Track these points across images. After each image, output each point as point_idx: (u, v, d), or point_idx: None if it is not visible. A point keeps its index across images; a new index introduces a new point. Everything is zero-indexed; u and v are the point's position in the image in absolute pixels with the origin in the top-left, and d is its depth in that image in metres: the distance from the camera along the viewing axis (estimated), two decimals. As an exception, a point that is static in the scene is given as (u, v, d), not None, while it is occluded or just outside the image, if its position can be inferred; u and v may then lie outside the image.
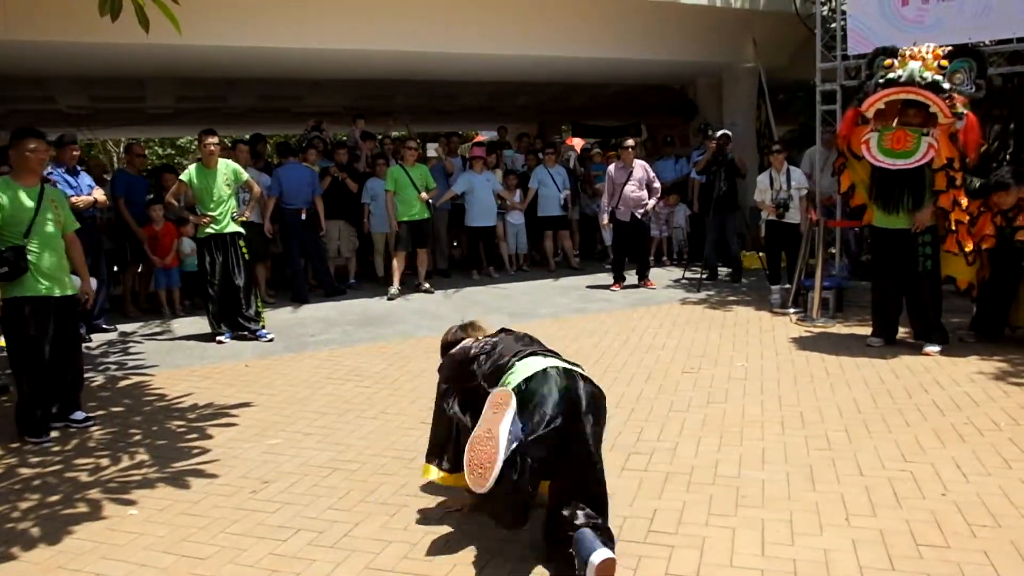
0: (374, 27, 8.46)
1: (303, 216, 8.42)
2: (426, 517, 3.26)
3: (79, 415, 4.70)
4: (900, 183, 5.52)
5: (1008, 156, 11.13)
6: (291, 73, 10.09)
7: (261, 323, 6.88)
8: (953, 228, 5.47)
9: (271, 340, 6.71)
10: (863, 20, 6.94)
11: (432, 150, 9.99)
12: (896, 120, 5.58)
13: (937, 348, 5.58)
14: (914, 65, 5.48)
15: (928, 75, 5.41)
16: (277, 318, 7.59)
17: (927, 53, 5.51)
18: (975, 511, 3.15)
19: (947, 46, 5.64)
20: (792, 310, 7.29)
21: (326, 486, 3.62)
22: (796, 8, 9.68)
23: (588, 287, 9.06)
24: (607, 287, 8.88)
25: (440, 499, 3.42)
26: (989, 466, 3.60)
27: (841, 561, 2.79)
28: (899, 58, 5.58)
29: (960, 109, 5.39)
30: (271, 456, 4.04)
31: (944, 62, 5.50)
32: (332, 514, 3.32)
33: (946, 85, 5.40)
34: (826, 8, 8.13)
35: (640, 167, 8.83)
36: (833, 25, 7.49)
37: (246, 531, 3.19)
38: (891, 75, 5.53)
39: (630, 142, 9.00)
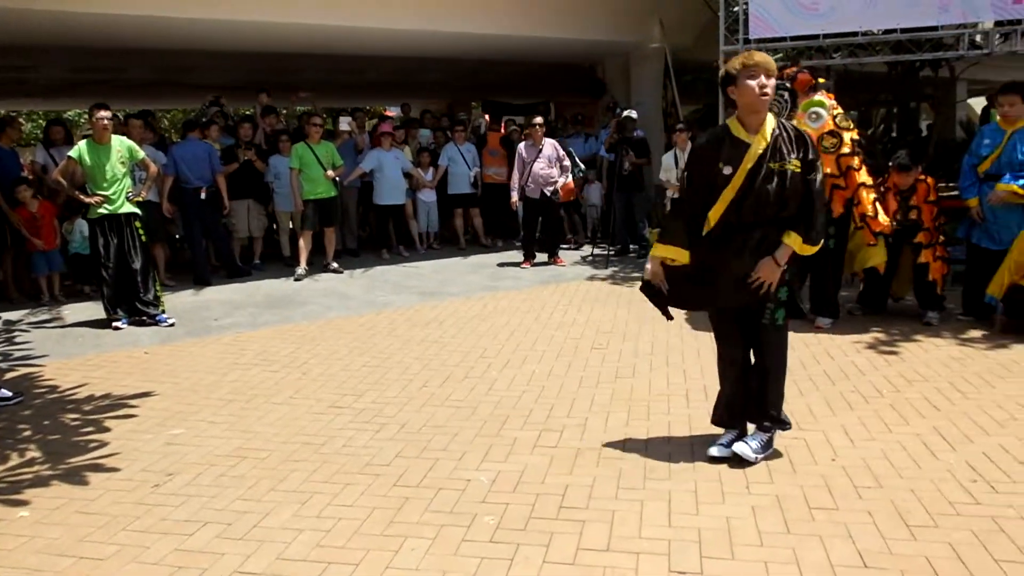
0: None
1: (203, 195, 8.10)
2: (339, 503, 3.23)
3: (4, 392, 4.64)
4: None
5: (891, 138, 11.80)
6: (190, 44, 9.63)
7: (161, 307, 6.60)
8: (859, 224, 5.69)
9: (172, 325, 6.46)
10: (764, 5, 7.18)
11: (344, 124, 9.72)
12: None
13: (828, 321, 5.89)
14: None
15: None
16: (178, 302, 7.31)
17: None
18: (861, 474, 3.36)
19: None
20: (696, 286, 7.52)
21: (233, 476, 3.53)
22: (700, -10, 9.92)
23: (498, 265, 9.11)
24: (517, 264, 8.95)
25: (350, 486, 3.40)
26: (873, 431, 3.84)
27: (742, 528, 2.93)
28: None
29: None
30: (174, 447, 3.91)
31: None
32: (240, 505, 3.24)
33: None
34: (728, -8, 8.36)
35: (550, 145, 8.90)
36: (736, 9, 7.70)
37: (149, 527, 3.08)
38: None
39: (538, 120, 9.04)
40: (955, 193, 6.29)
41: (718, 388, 3.68)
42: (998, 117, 5.81)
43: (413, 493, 3.29)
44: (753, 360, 3.57)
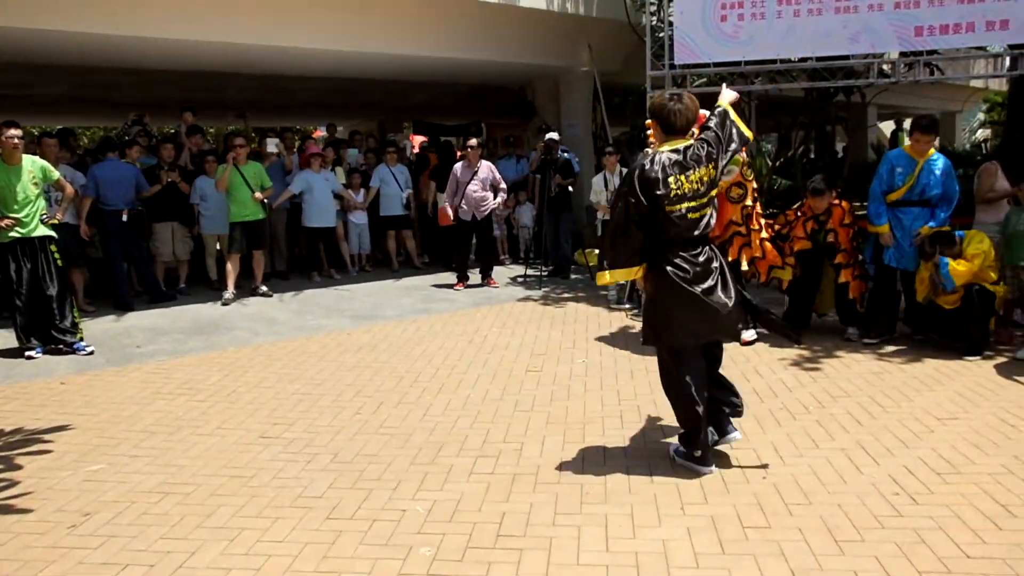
0: (201, 17, 7.97)
1: (125, 217, 7.81)
2: (269, 539, 3.12)
3: None
4: None
5: (810, 159, 12.27)
6: (109, 62, 9.30)
7: (79, 335, 6.32)
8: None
9: (91, 353, 6.18)
10: (688, 32, 7.39)
11: (272, 145, 9.54)
12: None
13: (754, 336, 6.06)
14: None
15: None
16: (97, 328, 7.01)
17: None
18: (791, 491, 3.45)
19: None
20: (627, 305, 7.65)
21: (156, 513, 3.38)
22: (628, 17, 10.14)
23: (433, 286, 9.05)
24: (451, 286, 8.91)
25: (281, 520, 3.29)
26: (801, 447, 3.95)
27: (678, 550, 2.96)
28: None
29: None
30: (92, 484, 3.72)
31: None
32: (164, 544, 3.10)
33: None
34: (655, 19, 8.58)
35: (486, 167, 8.93)
36: (661, 35, 7.91)
37: (64, 572, 2.91)
38: None
39: (474, 142, 9.07)
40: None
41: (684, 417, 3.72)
42: (907, 143, 6.05)
43: (347, 526, 3.22)
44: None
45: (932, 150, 5.83)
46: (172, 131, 11.43)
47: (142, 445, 4.22)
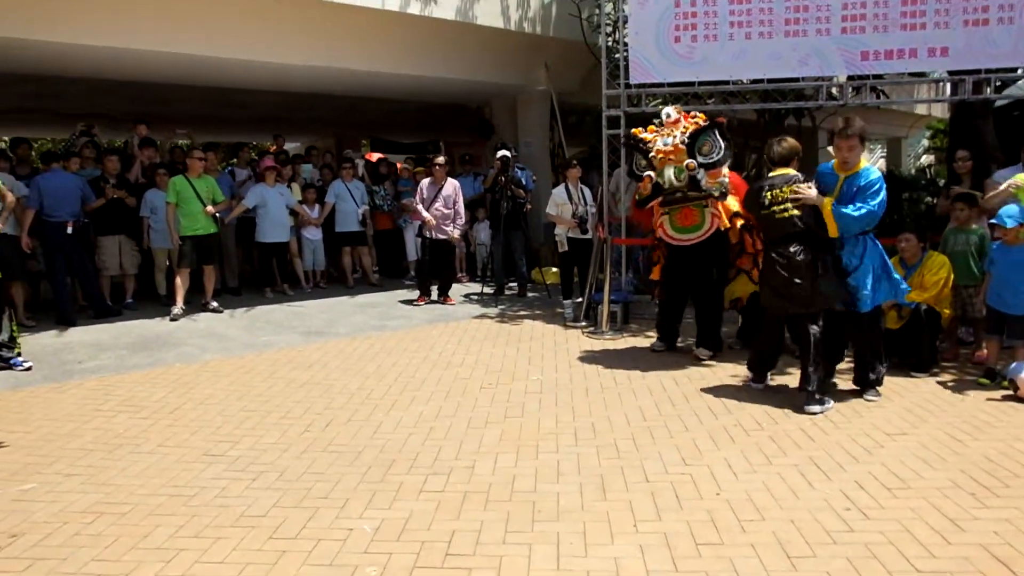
0: (147, 26, 7.79)
1: (69, 229, 7.57)
2: (208, 560, 2.99)
3: None
4: (691, 252, 6.05)
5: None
6: (52, 70, 9.04)
7: (16, 350, 6.06)
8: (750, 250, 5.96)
9: (28, 369, 5.94)
10: (643, 53, 7.46)
11: None
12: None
13: (709, 353, 6.08)
14: (668, 172, 5.86)
15: (683, 176, 5.80)
16: (37, 344, 6.75)
17: (670, 146, 5.88)
18: (744, 507, 3.43)
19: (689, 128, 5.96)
20: (583, 323, 7.64)
21: (89, 534, 3.22)
22: (584, 37, 10.23)
23: (387, 304, 8.94)
24: (407, 303, 8.81)
25: (222, 540, 3.16)
26: (754, 463, 3.95)
27: (631, 568, 2.91)
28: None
29: (718, 185, 5.86)
30: (22, 504, 3.54)
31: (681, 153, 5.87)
32: (95, 567, 2.95)
33: (700, 177, 5.80)
34: (611, 39, 8.66)
35: (451, 186, 8.91)
36: (617, 55, 7.97)
37: (-15, 597, 2.76)
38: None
39: (440, 160, 9.05)
40: None
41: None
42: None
43: (290, 546, 3.10)
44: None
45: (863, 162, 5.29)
46: (120, 144, 11.16)
47: (78, 463, 4.05)
